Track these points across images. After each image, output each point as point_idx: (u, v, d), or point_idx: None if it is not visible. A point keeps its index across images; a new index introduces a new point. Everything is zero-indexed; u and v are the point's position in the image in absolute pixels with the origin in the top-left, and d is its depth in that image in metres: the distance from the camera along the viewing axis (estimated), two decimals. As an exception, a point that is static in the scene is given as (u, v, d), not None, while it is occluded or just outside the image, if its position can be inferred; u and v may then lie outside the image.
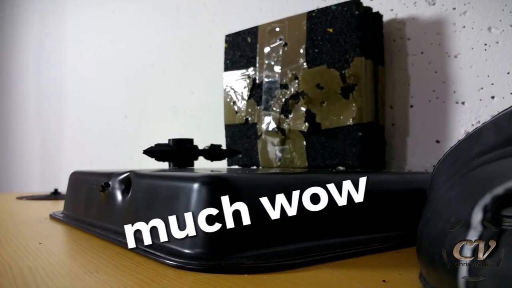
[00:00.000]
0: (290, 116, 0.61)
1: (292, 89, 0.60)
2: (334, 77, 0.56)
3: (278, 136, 0.62)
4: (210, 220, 0.30)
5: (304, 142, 0.59)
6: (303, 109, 0.59)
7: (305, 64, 0.59)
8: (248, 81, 0.68)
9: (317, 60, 0.58)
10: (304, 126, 0.59)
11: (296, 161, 0.60)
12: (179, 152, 0.52)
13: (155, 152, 0.52)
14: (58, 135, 1.82)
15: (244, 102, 0.68)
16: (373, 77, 0.57)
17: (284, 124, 0.61)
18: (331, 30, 0.56)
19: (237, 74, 0.70)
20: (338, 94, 0.55)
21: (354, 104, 0.54)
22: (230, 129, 0.71)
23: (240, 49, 0.69)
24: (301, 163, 0.59)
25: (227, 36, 0.72)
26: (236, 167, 0.70)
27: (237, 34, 0.70)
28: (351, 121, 0.54)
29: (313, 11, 0.59)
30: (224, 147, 0.68)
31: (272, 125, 0.63)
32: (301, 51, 0.60)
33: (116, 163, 1.29)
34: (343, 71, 0.55)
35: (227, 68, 0.72)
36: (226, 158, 0.79)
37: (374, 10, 0.58)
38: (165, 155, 0.52)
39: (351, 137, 0.54)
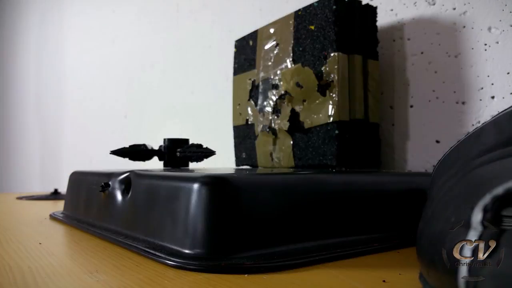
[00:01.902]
0: (280, 115, 0.61)
1: (282, 89, 0.60)
2: (309, 75, 0.56)
3: (270, 136, 0.62)
4: (210, 220, 0.30)
5: (291, 142, 0.59)
6: (288, 108, 0.59)
7: (291, 63, 0.59)
8: (249, 83, 0.68)
9: (301, 59, 0.58)
10: (285, 125, 0.59)
11: (284, 161, 0.60)
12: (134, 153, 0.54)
13: (120, 152, 0.53)
14: (58, 135, 1.82)
15: (246, 103, 0.69)
16: (361, 72, 0.56)
17: (275, 124, 0.62)
18: (312, 27, 0.56)
19: (242, 77, 0.70)
20: (316, 92, 0.55)
21: (330, 102, 0.54)
22: (237, 131, 0.71)
23: (245, 52, 0.70)
24: (288, 162, 0.59)
25: (236, 41, 0.73)
26: (247, 167, 0.70)
27: (243, 38, 0.72)
28: (327, 119, 0.54)
29: (299, 9, 0.59)
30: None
31: (265, 126, 0.63)
32: (289, 50, 0.60)
33: (116, 163, 1.29)
34: (322, 68, 0.55)
35: (235, 72, 0.73)
36: (234, 160, 0.79)
37: (374, 10, 0.58)
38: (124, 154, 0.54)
39: (329, 135, 0.54)
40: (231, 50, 0.76)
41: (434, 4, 0.59)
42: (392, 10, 0.63)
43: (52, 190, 0.98)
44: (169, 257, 0.30)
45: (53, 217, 0.55)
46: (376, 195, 0.40)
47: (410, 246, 0.36)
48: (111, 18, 1.46)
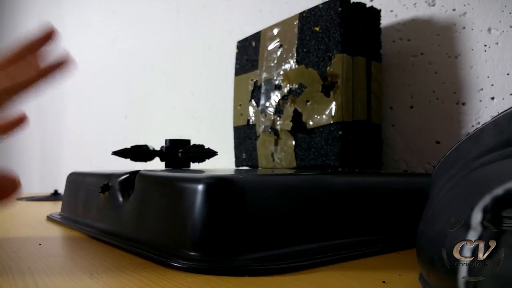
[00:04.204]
0: (282, 116, 0.61)
1: (285, 90, 0.61)
2: (313, 76, 0.56)
3: (272, 137, 0.62)
4: (215, 221, 0.30)
5: (293, 142, 0.59)
6: (291, 108, 0.59)
7: (295, 64, 0.59)
8: (251, 83, 0.68)
9: (306, 60, 0.58)
10: (288, 125, 0.59)
11: (286, 161, 0.60)
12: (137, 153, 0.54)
13: (123, 152, 0.53)
14: (58, 136, 1.82)
15: (247, 104, 0.69)
16: (365, 74, 0.56)
17: (277, 125, 0.62)
18: (317, 28, 0.56)
19: (244, 77, 0.70)
20: (320, 92, 0.55)
21: (334, 102, 0.54)
22: (237, 131, 0.71)
23: (247, 53, 0.71)
24: (290, 163, 0.59)
25: (238, 42, 0.73)
26: (247, 168, 0.70)
27: (246, 39, 0.72)
28: (331, 120, 0.54)
29: (304, 11, 0.59)
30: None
31: (267, 126, 0.63)
32: (293, 51, 0.60)
33: (116, 164, 1.29)
34: (327, 69, 0.55)
35: (237, 72, 0.73)
36: (234, 161, 0.79)
37: (374, 11, 0.58)
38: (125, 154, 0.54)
39: (332, 136, 0.54)
40: (231, 51, 0.76)
41: (434, 5, 0.59)
42: (392, 11, 0.63)
43: (52, 191, 0.97)
44: (175, 259, 0.30)
45: (50, 219, 0.55)
46: (380, 196, 0.40)
47: (410, 248, 0.36)
48: (112, 18, 1.46)
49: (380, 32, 0.59)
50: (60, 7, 1.84)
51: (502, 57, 0.52)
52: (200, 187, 0.31)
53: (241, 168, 0.70)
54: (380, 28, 0.59)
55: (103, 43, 1.50)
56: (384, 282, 0.26)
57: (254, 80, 0.68)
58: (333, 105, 0.54)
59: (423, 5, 0.60)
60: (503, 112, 0.23)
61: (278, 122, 0.61)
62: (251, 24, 0.88)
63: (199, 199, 0.31)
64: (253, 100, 0.68)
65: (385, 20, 0.63)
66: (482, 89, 0.54)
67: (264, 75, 0.65)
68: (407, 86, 0.62)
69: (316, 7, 0.57)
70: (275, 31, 0.64)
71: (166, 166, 0.55)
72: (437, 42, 0.58)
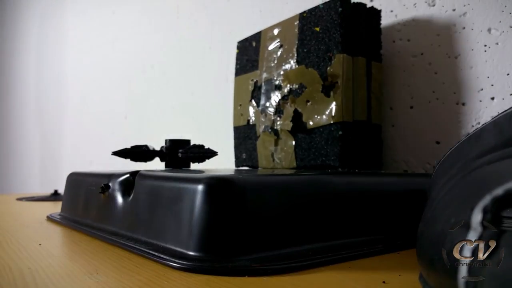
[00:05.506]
0: (282, 116, 0.61)
1: (285, 90, 0.61)
2: (313, 76, 0.56)
3: (272, 137, 0.63)
4: (215, 221, 0.30)
5: (293, 142, 0.59)
6: (291, 109, 0.59)
7: (295, 64, 0.59)
8: (251, 83, 0.68)
9: (306, 60, 0.58)
10: (288, 125, 0.59)
11: (285, 162, 0.60)
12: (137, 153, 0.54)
13: (122, 152, 0.53)
14: (58, 136, 1.82)
15: (247, 104, 0.69)
16: (365, 74, 0.56)
17: (277, 125, 0.62)
18: (317, 29, 0.56)
19: (244, 77, 0.70)
20: (320, 92, 0.55)
21: (334, 103, 0.54)
22: (237, 131, 0.71)
23: (248, 53, 0.71)
24: (290, 163, 0.59)
25: (239, 42, 0.73)
26: (247, 168, 0.70)
27: (246, 39, 0.72)
28: (331, 120, 0.54)
29: (304, 11, 0.59)
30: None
31: (267, 126, 0.63)
32: (294, 51, 0.60)
33: (116, 164, 1.29)
34: (327, 69, 0.55)
35: (237, 72, 0.73)
36: (233, 161, 0.79)
37: (374, 11, 0.58)
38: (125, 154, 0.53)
39: (332, 136, 0.54)
40: (231, 51, 0.76)
41: (434, 5, 0.59)
42: (392, 11, 0.63)
43: (52, 191, 0.98)
44: (174, 259, 0.30)
45: (50, 219, 0.55)
46: (380, 196, 0.40)
47: (410, 248, 0.36)
48: (111, 19, 1.46)
49: (380, 32, 0.59)
50: (61, 7, 1.84)
51: (502, 57, 0.52)
52: (200, 187, 0.31)
53: (241, 168, 0.70)
54: (380, 28, 0.59)
55: (103, 43, 1.50)
56: (384, 282, 0.26)
57: (254, 80, 0.68)
58: (333, 105, 0.54)
59: (423, 5, 0.60)
60: (503, 112, 0.23)
61: (278, 122, 0.61)
62: (251, 24, 0.88)
63: (199, 199, 0.31)
64: (253, 100, 0.68)
65: (385, 20, 0.63)
66: (482, 89, 0.54)
67: (264, 75, 0.65)
68: (407, 86, 0.62)
69: (317, 7, 0.57)
70: (275, 31, 0.64)
71: (166, 166, 0.55)
72: (437, 42, 0.58)
